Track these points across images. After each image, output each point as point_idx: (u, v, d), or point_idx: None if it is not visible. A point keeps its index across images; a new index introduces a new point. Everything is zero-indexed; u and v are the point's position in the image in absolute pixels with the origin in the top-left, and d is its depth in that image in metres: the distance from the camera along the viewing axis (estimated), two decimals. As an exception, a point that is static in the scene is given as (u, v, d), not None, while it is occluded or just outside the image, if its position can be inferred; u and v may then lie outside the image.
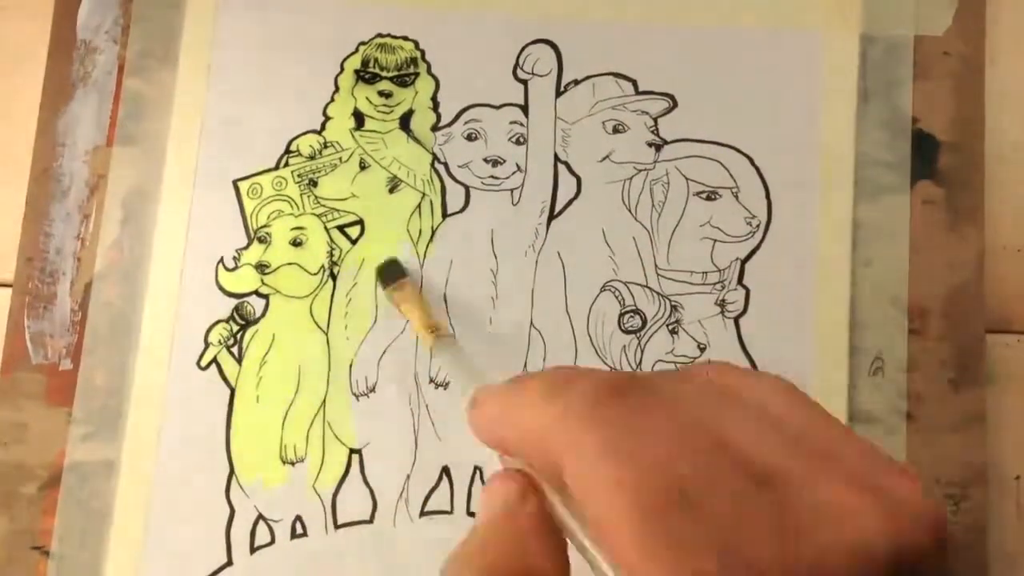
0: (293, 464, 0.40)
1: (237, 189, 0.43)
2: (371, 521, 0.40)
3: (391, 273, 0.41)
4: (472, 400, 0.24)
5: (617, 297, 0.41)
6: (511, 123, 0.43)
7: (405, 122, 0.43)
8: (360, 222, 0.42)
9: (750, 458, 0.18)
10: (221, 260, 0.42)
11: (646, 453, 0.18)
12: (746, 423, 0.19)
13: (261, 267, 0.42)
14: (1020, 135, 0.43)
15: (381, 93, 0.43)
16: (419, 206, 0.42)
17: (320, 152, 0.43)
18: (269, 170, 0.43)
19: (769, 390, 0.20)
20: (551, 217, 0.42)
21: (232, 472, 0.40)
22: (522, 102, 0.43)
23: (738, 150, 0.42)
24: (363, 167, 0.43)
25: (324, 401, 0.41)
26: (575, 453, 0.19)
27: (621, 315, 0.41)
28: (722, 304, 0.41)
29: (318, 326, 0.41)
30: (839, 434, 0.19)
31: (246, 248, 0.42)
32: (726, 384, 0.20)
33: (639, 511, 0.17)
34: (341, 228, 0.42)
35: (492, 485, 0.23)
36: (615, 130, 0.42)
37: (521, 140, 0.43)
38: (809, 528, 0.17)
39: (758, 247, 0.41)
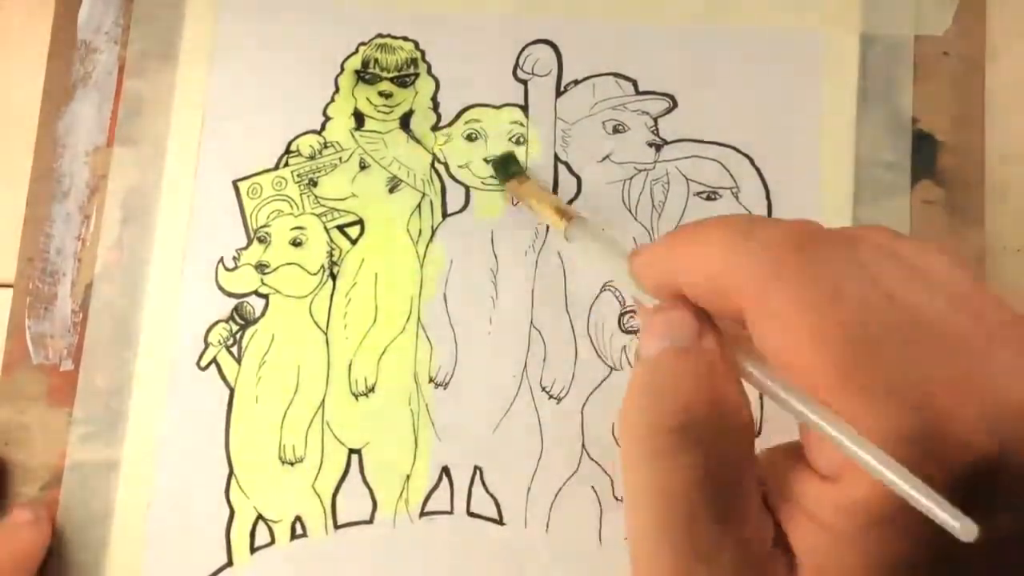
0: (292, 464, 0.40)
1: (237, 189, 0.43)
2: (371, 521, 0.40)
3: (508, 168, 0.41)
4: (635, 249, 0.24)
5: (617, 297, 0.41)
6: (511, 123, 0.43)
7: (405, 122, 0.43)
8: (360, 222, 0.42)
9: (927, 316, 0.18)
10: (221, 260, 0.42)
11: (839, 304, 0.18)
12: (916, 284, 0.19)
13: (261, 267, 0.42)
14: (1021, 135, 0.43)
15: (381, 93, 0.43)
16: (419, 206, 0.42)
17: (320, 152, 0.43)
18: (269, 170, 0.43)
19: (935, 257, 0.20)
20: None
21: (232, 472, 0.40)
22: (522, 102, 0.43)
23: (738, 150, 0.42)
24: (363, 167, 0.43)
25: (323, 401, 0.41)
26: (764, 298, 0.19)
27: (621, 315, 0.41)
28: None
29: (317, 326, 0.41)
30: (998, 302, 0.20)
31: (246, 248, 0.42)
32: (894, 249, 0.20)
33: (839, 358, 0.18)
34: (341, 228, 0.42)
35: (663, 315, 0.22)
36: (615, 130, 0.42)
37: (521, 140, 0.43)
38: (992, 384, 0.18)
39: None
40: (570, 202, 0.42)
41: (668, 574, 0.20)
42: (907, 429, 0.17)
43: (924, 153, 0.42)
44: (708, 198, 0.42)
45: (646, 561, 0.20)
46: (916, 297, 0.19)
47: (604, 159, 0.42)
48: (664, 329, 0.22)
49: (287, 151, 0.43)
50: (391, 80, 0.43)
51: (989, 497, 0.18)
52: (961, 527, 0.16)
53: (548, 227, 0.41)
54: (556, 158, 0.42)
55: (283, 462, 0.40)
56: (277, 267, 0.42)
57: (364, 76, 0.43)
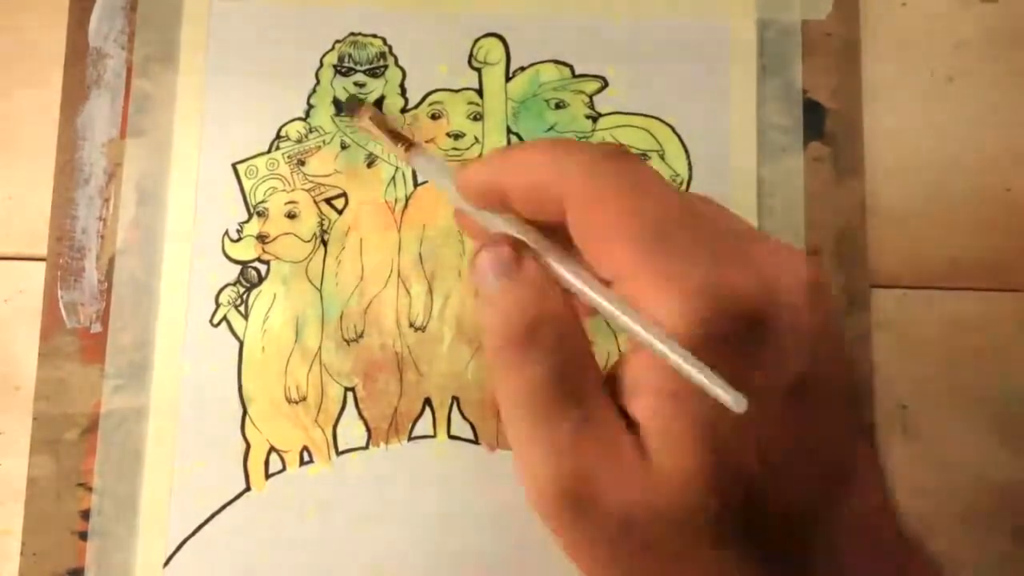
0: (297, 403, 0.42)
1: (236, 171, 0.44)
2: (367, 447, 0.42)
3: (351, 107, 0.41)
4: (461, 164, 0.25)
5: None
6: (468, 103, 0.45)
7: (378, 107, 0.44)
8: (344, 195, 0.44)
9: (708, 214, 0.21)
10: (226, 232, 0.43)
11: (643, 199, 0.20)
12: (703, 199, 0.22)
13: (261, 237, 0.44)
14: (892, 101, 0.46)
15: (356, 83, 0.45)
16: (393, 178, 0.44)
17: (306, 136, 0.44)
18: (263, 153, 0.44)
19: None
20: None
21: (245, 412, 0.42)
22: (477, 86, 0.45)
23: (661, 120, 0.44)
24: (344, 147, 0.44)
25: (320, 348, 0.43)
26: (582, 196, 0.20)
27: None
28: None
29: (313, 285, 0.43)
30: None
31: (247, 221, 0.44)
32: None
33: (646, 238, 0.19)
34: (328, 200, 0.44)
35: (483, 254, 0.22)
36: (557, 106, 0.45)
37: (478, 117, 0.45)
38: (750, 256, 0.20)
39: None
40: None
41: (525, 443, 0.21)
42: (696, 280, 0.19)
43: (813, 118, 0.45)
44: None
45: (515, 447, 0.21)
46: (699, 202, 0.22)
47: (549, 130, 0.44)
48: (488, 266, 0.22)
49: (278, 136, 0.44)
50: (364, 72, 0.45)
51: (758, 347, 0.19)
52: (733, 400, 0.18)
53: None
54: (508, 130, 0.44)
55: (289, 401, 0.42)
56: (275, 237, 0.44)
57: (340, 69, 0.45)
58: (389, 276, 0.43)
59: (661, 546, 0.20)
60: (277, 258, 0.44)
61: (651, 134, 0.44)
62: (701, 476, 0.19)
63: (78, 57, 0.45)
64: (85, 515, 0.41)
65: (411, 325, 0.43)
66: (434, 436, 0.42)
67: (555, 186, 0.21)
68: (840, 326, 0.22)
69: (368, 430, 0.42)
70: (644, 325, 0.19)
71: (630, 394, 0.21)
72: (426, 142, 0.44)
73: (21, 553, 0.41)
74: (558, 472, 0.20)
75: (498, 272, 0.22)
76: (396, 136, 0.35)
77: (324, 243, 0.44)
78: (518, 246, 0.22)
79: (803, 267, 0.20)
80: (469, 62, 0.45)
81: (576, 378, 0.21)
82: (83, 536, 0.41)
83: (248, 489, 0.42)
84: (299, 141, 0.45)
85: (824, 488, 0.20)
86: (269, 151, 0.44)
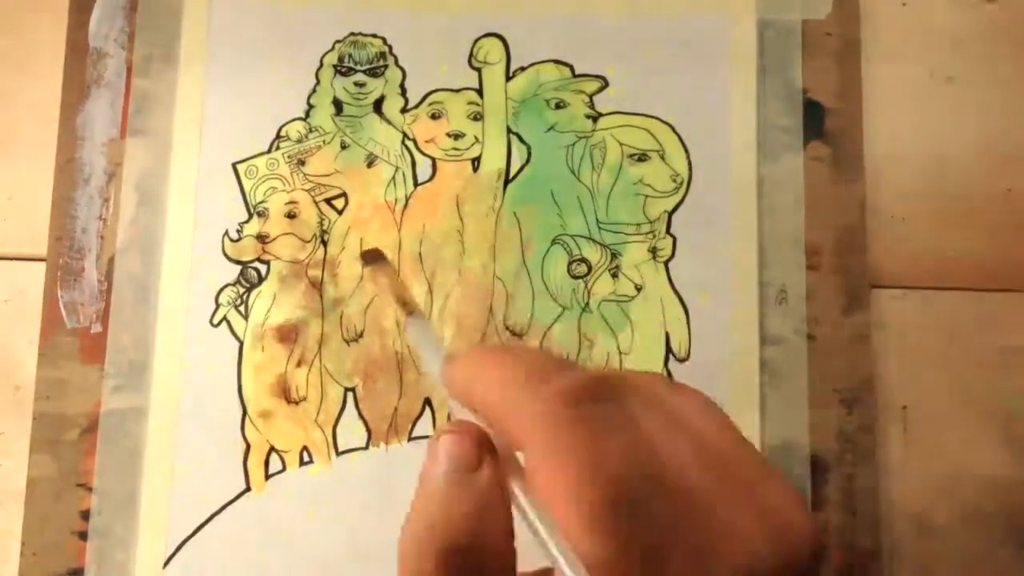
0: (297, 403, 0.42)
1: (236, 171, 0.44)
2: (367, 448, 0.42)
3: (371, 257, 0.41)
4: (449, 356, 0.22)
5: (566, 248, 0.43)
6: (468, 103, 0.44)
7: (378, 107, 0.44)
8: (344, 195, 0.44)
9: (683, 476, 0.18)
10: (226, 232, 0.43)
11: (606, 465, 0.18)
12: (680, 443, 0.19)
13: (261, 238, 0.43)
14: (892, 101, 0.46)
15: (356, 83, 0.44)
16: (393, 178, 0.44)
17: (306, 136, 0.44)
18: (263, 153, 0.44)
19: (695, 409, 0.20)
20: (507, 181, 0.44)
21: (245, 412, 0.42)
22: (477, 86, 0.45)
23: (662, 120, 0.44)
24: (344, 147, 0.44)
25: (320, 347, 0.42)
26: (543, 447, 0.19)
27: (570, 263, 0.43)
28: (654, 251, 0.43)
29: (313, 285, 0.43)
30: (744, 455, 0.19)
31: (247, 221, 0.43)
32: (663, 399, 0.20)
33: (593, 512, 0.18)
34: (328, 200, 0.44)
35: (447, 438, 0.21)
36: (557, 106, 0.44)
37: (478, 117, 0.44)
38: (713, 548, 0.17)
39: (682, 201, 0.44)
40: (522, 168, 0.44)
41: None
42: None
43: (813, 118, 0.44)
44: (639, 159, 0.44)
45: None
46: (672, 450, 0.19)
47: (549, 129, 0.44)
48: (445, 456, 0.20)
49: (278, 136, 0.44)
50: (364, 71, 0.45)
51: None
52: None
53: (504, 190, 0.44)
54: (508, 130, 0.44)
55: (288, 401, 0.42)
56: (275, 237, 0.43)
57: (340, 69, 0.44)
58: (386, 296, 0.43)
59: None
60: (277, 258, 0.43)
61: (651, 134, 0.44)
62: None
63: (78, 57, 0.45)
64: (85, 515, 0.41)
65: (411, 325, 0.43)
66: (434, 436, 0.42)
67: (513, 425, 0.20)
68: None
69: (368, 430, 0.42)
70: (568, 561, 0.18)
71: None
72: (426, 142, 0.44)
73: (21, 553, 0.41)
74: None
75: (451, 467, 0.20)
76: (402, 300, 0.36)
77: (324, 243, 0.43)
78: (481, 443, 0.21)
79: (777, 553, 0.18)
80: (469, 62, 0.45)
81: None
82: (83, 536, 0.41)
83: (248, 489, 0.42)
84: (299, 141, 0.44)
85: None
86: (269, 151, 0.44)
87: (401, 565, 0.20)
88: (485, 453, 0.20)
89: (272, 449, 0.42)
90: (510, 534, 0.20)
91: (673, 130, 0.44)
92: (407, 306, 0.36)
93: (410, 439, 0.42)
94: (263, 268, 0.43)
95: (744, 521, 0.18)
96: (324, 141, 0.44)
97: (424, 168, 0.44)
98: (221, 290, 0.43)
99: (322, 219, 0.44)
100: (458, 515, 0.20)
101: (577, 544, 0.18)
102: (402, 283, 0.36)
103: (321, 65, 0.45)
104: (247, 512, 0.41)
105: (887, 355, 0.43)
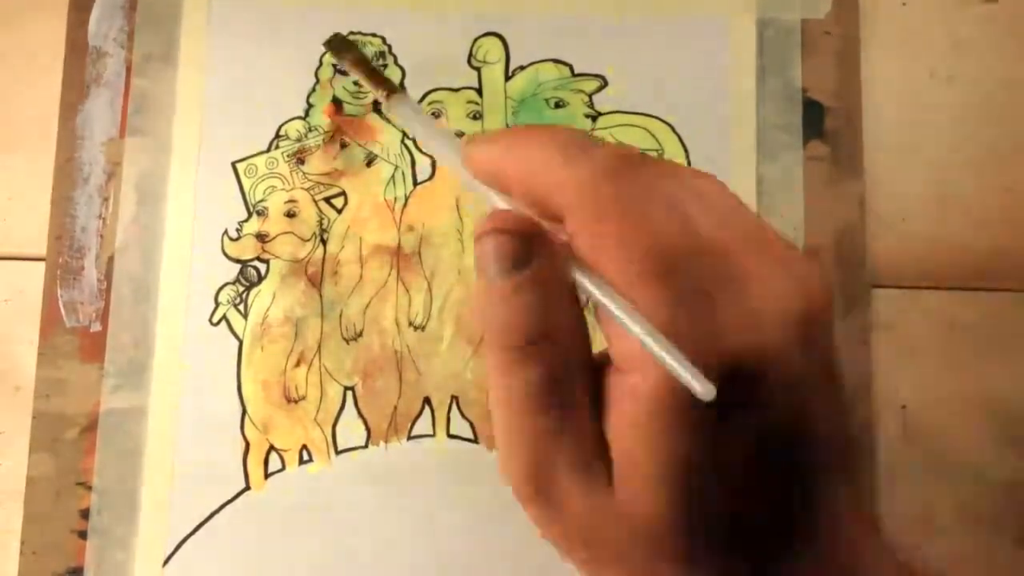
0: (296, 402, 0.42)
1: (235, 170, 0.44)
2: (366, 446, 0.42)
3: (336, 45, 0.38)
4: (469, 138, 0.22)
5: None
6: (468, 102, 0.44)
7: (377, 106, 0.44)
8: (343, 193, 0.44)
9: (714, 237, 0.20)
10: (226, 231, 0.43)
11: (645, 222, 0.19)
12: (707, 210, 0.20)
13: (260, 236, 0.43)
14: (891, 100, 0.45)
15: (355, 82, 0.44)
16: (393, 177, 0.44)
17: (306, 135, 0.44)
18: (262, 152, 0.44)
19: (714, 186, 0.21)
20: None
21: (244, 411, 0.42)
22: (477, 85, 0.44)
23: (661, 119, 0.44)
24: (343, 146, 0.44)
25: (319, 346, 0.42)
26: (591, 211, 0.19)
27: None
28: None
29: (312, 284, 0.43)
30: (761, 223, 0.21)
31: (247, 220, 0.43)
32: (687, 180, 0.21)
33: (640, 264, 0.19)
34: (328, 199, 0.44)
35: (491, 240, 0.20)
36: (557, 105, 0.44)
37: (477, 116, 0.44)
38: (750, 295, 0.19)
39: None
40: None
41: (504, 432, 0.21)
42: (684, 325, 0.18)
43: (812, 117, 0.44)
44: None
45: (497, 435, 0.21)
46: (701, 216, 0.20)
47: None
48: (497, 255, 0.20)
49: (277, 135, 0.44)
50: None
51: (746, 392, 0.19)
52: (701, 388, 0.17)
53: None
54: None
55: (288, 400, 0.42)
56: (275, 236, 0.43)
57: (340, 68, 0.44)
58: (388, 275, 0.43)
59: (627, 558, 0.20)
60: (276, 257, 0.43)
61: (651, 133, 0.44)
62: (663, 520, 0.19)
63: (78, 56, 0.44)
64: (84, 514, 0.41)
65: (410, 324, 0.43)
66: (433, 435, 0.42)
67: (555, 195, 0.20)
68: (838, 369, 0.21)
69: (367, 429, 0.42)
70: (628, 312, 0.19)
71: (609, 415, 0.20)
72: (425, 141, 0.44)
73: (21, 552, 0.41)
74: (529, 462, 0.20)
75: (505, 266, 0.20)
76: (379, 80, 0.33)
77: (324, 242, 0.43)
78: (526, 230, 0.21)
79: (803, 297, 0.19)
80: (469, 61, 0.45)
81: (565, 387, 0.21)
82: (82, 535, 0.41)
83: (247, 488, 0.41)
84: (299, 140, 0.44)
85: (784, 540, 0.20)
86: (269, 150, 0.44)
87: (487, 359, 0.21)
88: (535, 241, 0.20)
89: (272, 448, 0.42)
90: (580, 319, 0.21)
91: (672, 129, 0.44)
92: (386, 84, 0.33)
93: (409, 438, 0.42)
94: (263, 267, 0.43)
95: (773, 274, 0.19)
96: (323, 140, 0.44)
97: (424, 167, 0.44)
98: (220, 289, 0.43)
99: (321, 218, 0.44)
100: (527, 309, 0.20)
101: (631, 296, 0.19)
102: (374, 67, 0.33)
103: (320, 64, 0.45)
104: (247, 511, 0.41)
105: (887, 355, 0.43)
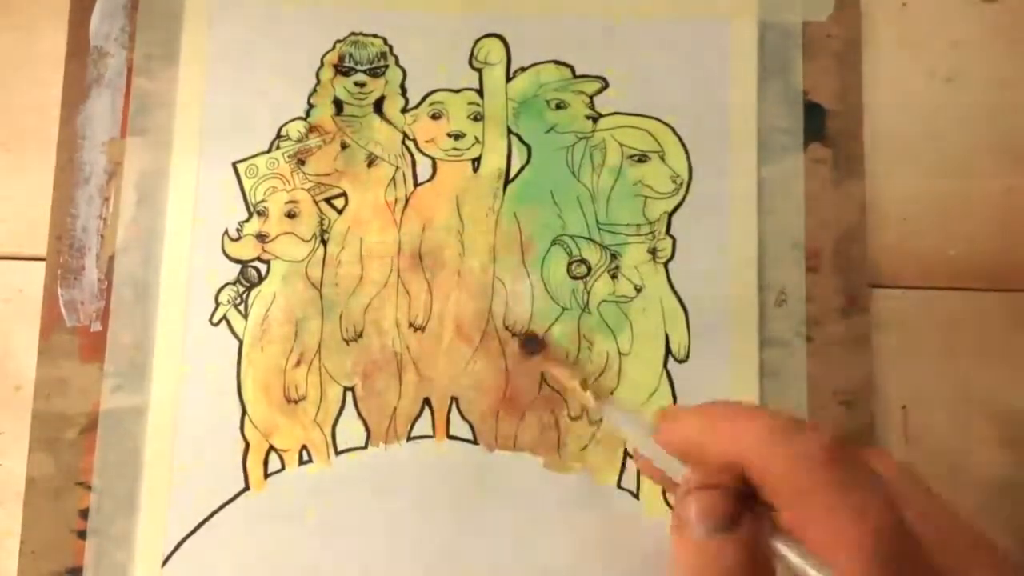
0: (296, 402, 0.42)
1: (236, 170, 0.43)
2: (366, 447, 0.41)
3: (529, 345, 0.41)
4: (662, 414, 0.23)
5: (565, 249, 0.43)
6: (469, 104, 0.44)
7: (378, 106, 0.44)
8: (344, 194, 0.43)
9: (929, 540, 0.20)
10: (226, 231, 0.43)
11: (871, 515, 0.19)
12: (913, 506, 0.20)
13: (261, 237, 0.43)
14: (892, 102, 0.45)
15: (356, 83, 0.44)
16: (393, 178, 0.43)
17: (307, 135, 0.44)
18: (263, 153, 0.44)
19: (910, 478, 0.21)
20: (507, 182, 0.43)
21: (244, 411, 0.41)
22: (478, 87, 0.44)
23: (662, 121, 0.44)
24: (344, 147, 0.44)
25: (319, 347, 0.42)
26: (808, 494, 0.19)
27: (570, 264, 0.43)
28: (653, 252, 0.43)
29: (312, 284, 0.43)
30: (963, 523, 0.21)
31: (247, 221, 0.43)
32: (890, 467, 0.21)
33: (869, 557, 0.18)
34: (328, 200, 0.43)
35: (703, 495, 0.21)
36: (558, 107, 0.44)
37: (478, 117, 0.44)
38: None
39: (682, 202, 0.43)
40: (522, 168, 0.43)
41: None
42: None
43: (813, 120, 0.44)
44: (639, 160, 0.43)
45: None
46: (913, 517, 0.20)
47: (550, 130, 0.44)
48: (706, 513, 0.21)
49: (278, 135, 0.44)
50: (364, 71, 0.44)
51: None
52: None
53: (504, 190, 0.43)
54: (509, 130, 0.44)
55: (288, 400, 0.42)
56: (275, 236, 0.43)
57: (341, 69, 0.44)
58: (389, 276, 0.43)
59: None
60: (277, 257, 0.43)
61: (651, 135, 0.44)
62: None
63: (79, 56, 0.44)
64: (84, 514, 0.41)
65: (410, 325, 0.42)
66: (433, 436, 0.42)
67: (768, 486, 0.20)
68: None
69: (367, 430, 0.42)
70: None
71: None
72: (426, 142, 0.44)
73: (20, 551, 0.41)
74: None
75: (713, 525, 0.21)
76: (585, 386, 0.36)
77: (324, 242, 0.43)
78: (737, 498, 0.21)
79: None
80: (470, 62, 0.45)
81: None
82: (82, 535, 0.41)
83: (247, 488, 0.41)
84: (299, 140, 0.44)
85: None
86: (269, 150, 0.44)
87: None
88: (742, 507, 0.21)
89: (271, 448, 0.42)
90: None
91: (673, 131, 0.44)
92: (594, 391, 0.36)
93: (409, 439, 0.42)
94: (263, 267, 0.43)
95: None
96: (324, 141, 0.44)
97: (424, 168, 0.44)
98: (221, 289, 0.43)
99: (322, 218, 0.43)
100: (730, 567, 0.20)
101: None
102: (574, 364, 0.35)
103: (321, 65, 0.45)
104: (246, 511, 0.41)
105: (887, 355, 0.43)
